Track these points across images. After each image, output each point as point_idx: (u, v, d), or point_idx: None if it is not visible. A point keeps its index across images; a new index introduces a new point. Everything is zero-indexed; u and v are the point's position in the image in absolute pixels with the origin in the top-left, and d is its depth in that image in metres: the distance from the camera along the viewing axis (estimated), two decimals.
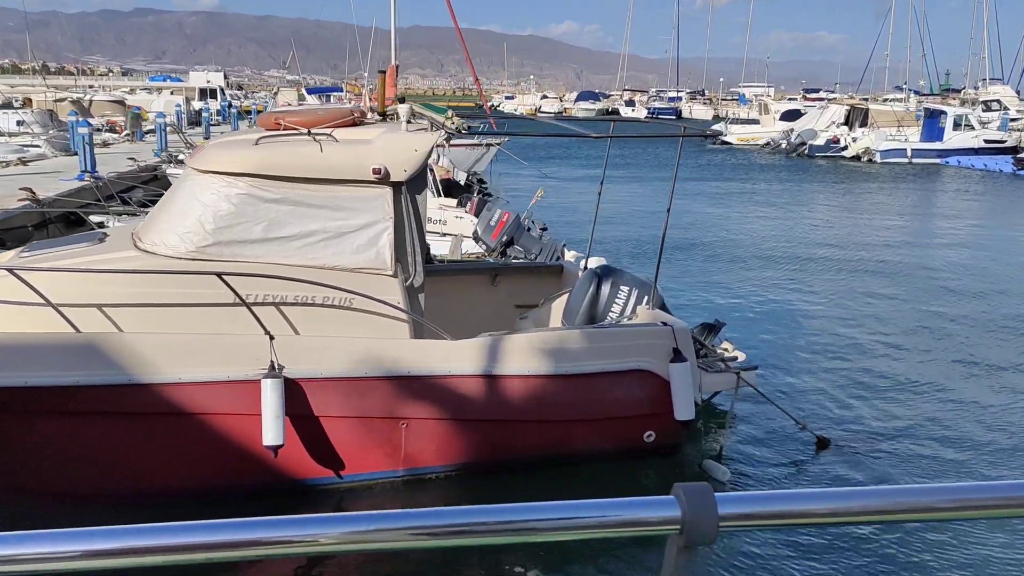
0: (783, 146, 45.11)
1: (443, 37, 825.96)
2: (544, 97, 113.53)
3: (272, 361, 5.86)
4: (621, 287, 7.41)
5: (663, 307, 7.57)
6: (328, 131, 6.38)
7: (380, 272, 6.31)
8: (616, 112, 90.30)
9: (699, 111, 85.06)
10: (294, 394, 5.96)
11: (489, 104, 32.57)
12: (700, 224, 21.02)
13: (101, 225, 11.38)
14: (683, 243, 17.99)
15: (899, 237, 19.69)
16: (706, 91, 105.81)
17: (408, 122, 6.73)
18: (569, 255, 13.38)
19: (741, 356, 8.09)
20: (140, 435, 5.74)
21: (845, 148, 40.82)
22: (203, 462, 5.91)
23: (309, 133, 6.31)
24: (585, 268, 8.50)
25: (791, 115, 50.16)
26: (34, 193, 14.11)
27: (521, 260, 11.78)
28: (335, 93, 39.07)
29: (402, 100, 6.85)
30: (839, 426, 8.06)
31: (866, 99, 48.63)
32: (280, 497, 6.21)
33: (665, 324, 6.94)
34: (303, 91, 47.15)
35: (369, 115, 7.09)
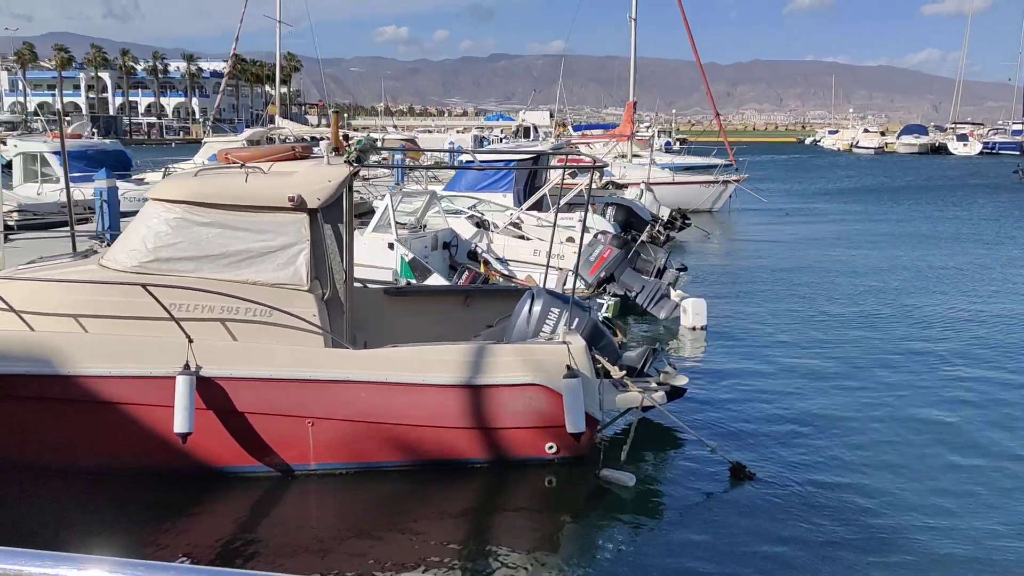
0: None
1: (782, 71, 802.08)
2: (866, 131, 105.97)
3: (188, 360, 6.91)
4: (552, 309, 7.75)
5: (596, 329, 7.86)
6: (258, 165, 7.35)
7: (297, 287, 7.20)
8: (943, 148, 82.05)
9: None
10: (210, 391, 6.98)
11: (732, 147, 31.84)
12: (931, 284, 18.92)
13: None
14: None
15: None
16: None
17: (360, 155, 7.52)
18: (675, 295, 13.15)
19: (682, 380, 8.31)
20: (71, 419, 7.06)
21: None
22: (126, 445, 7.12)
23: (242, 166, 7.32)
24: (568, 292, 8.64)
25: None
26: None
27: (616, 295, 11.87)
28: (597, 131, 40.22)
29: (346, 137, 7.59)
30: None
31: None
32: (201, 481, 7.24)
33: (564, 343, 7.27)
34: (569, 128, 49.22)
35: (316, 150, 7.93)
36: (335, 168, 7.26)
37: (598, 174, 19.24)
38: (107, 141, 23.59)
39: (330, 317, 7.31)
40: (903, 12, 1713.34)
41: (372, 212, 14.45)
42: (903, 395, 9.72)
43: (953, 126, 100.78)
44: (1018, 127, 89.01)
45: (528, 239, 15.00)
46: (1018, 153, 76.33)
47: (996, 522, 6.66)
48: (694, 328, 12.61)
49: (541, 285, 13.48)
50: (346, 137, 7.61)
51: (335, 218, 7.35)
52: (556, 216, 9.43)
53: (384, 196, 13.23)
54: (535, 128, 60.34)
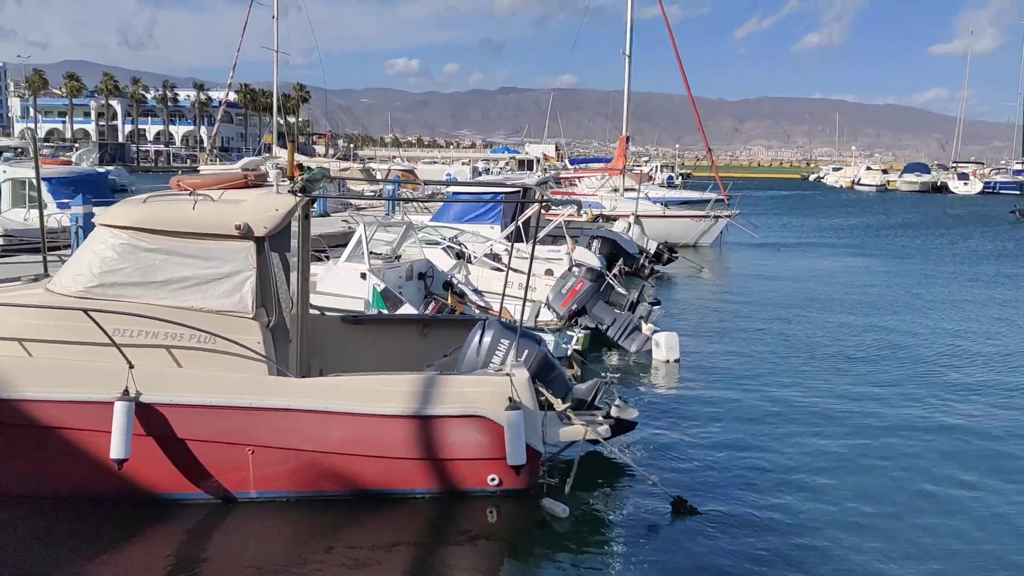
0: None
1: (790, 108, 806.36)
2: (868, 169, 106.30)
3: (128, 386, 6.91)
4: (501, 340, 7.78)
5: (545, 361, 7.85)
6: (207, 192, 7.40)
7: (242, 315, 7.20)
8: (944, 187, 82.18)
9: None
10: (149, 417, 6.97)
11: (722, 183, 31.98)
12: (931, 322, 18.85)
13: None
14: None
15: None
16: None
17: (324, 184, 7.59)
18: (646, 329, 13.14)
19: (632, 413, 8.31)
20: (9, 443, 7.05)
21: None
22: (65, 470, 7.11)
23: (191, 194, 7.37)
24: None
25: None
26: None
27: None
28: (596, 164, 40.51)
29: (300, 167, 7.65)
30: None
31: None
32: (139, 508, 7.21)
33: (507, 375, 7.29)
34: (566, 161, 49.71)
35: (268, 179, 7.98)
36: (283, 197, 7.31)
37: (575, 207, 19.29)
38: (96, 168, 23.82)
39: (276, 345, 7.31)
40: (911, 52, 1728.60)
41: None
42: (863, 441, 9.56)
43: (955, 165, 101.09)
44: (1018, 167, 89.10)
45: (503, 270, 15.02)
46: (1018, 192, 76.38)
47: (937, 558, 6.61)
48: (667, 361, 12.58)
49: (515, 317, 13.62)
50: (300, 167, 7.66)
51: (283, 247, 7.37)
52: (533, 248, 9.39)
53: (359, 226, 13.27)
54: (537, 161, 60.97)
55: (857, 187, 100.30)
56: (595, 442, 7.79)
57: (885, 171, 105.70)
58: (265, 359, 7.12)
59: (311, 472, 7.24)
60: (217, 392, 7.03)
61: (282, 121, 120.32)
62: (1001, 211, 55.88)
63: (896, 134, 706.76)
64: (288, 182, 7.27)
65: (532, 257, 8.65)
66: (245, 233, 7.13)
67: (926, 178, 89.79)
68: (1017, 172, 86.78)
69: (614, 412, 8.30)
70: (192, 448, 7.09)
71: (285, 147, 61.20)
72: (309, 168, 7.53)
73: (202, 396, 7.00)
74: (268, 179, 7.88)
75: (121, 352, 6.93)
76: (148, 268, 7.20)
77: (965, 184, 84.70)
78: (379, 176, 39.78)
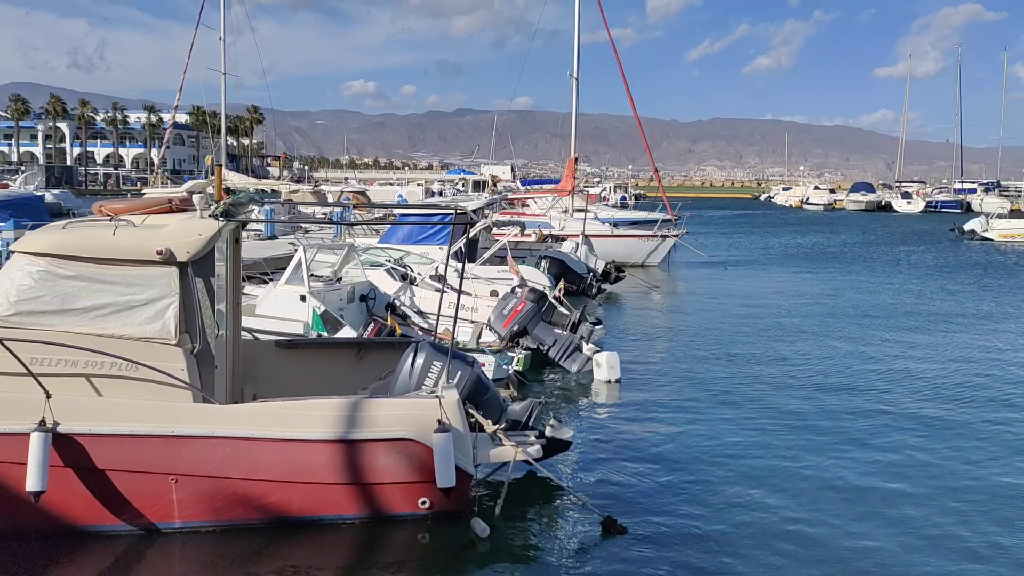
0: None
1: (742, 129, 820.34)
2: (816, 188, 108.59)
3: (45, 416, 6.74)
4: (434, 362, 7.72)
5: (478, 383, 7.86)
6: (130, 218, 7.29)
7: (165, 341, 7.08)
8: (888, 206, 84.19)
9: (992, 204, 76.47)
10: (68, 447, 6.80)
11: (674, 204, 32.38)
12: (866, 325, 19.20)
13: None
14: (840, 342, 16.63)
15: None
16: (1000, 181, 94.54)
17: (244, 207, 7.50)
18: (587, 349, 13.21)
19: (567, 434, 8.39)
20: None
21: None
22: None
23: (112, 219, 7.26)
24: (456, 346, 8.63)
25: None
26: None
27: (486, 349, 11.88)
28: (547, 185, 40.77)
29: (227, 190, 7.57)
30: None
31: None
32: (59, 540, 7.01)
33: (436, 397, 7.26)
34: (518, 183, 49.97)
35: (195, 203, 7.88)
36: (206, 222, 7.23)
37: (518, 228, 19.40)
38: (40, 192, 23.35)
39: (201, 371, 7.21)
40: (857, 74, 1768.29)
41: None
42: (798, 459, 9.66)
43: (898, 184, 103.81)
44: (959, 186, 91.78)
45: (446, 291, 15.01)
46: (959, 211, 78.52)
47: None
48: (608, 381, 12.65)
49: (457, 338, 13.60)
50: (227, 191, 7.59)
51: (207, 271, 7.29)
52: (463, 270, 9.39)
53: (299, 248, 13.18)
54: (486, 183, 61.08)
55: (806, 206, 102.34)
56: (529, 462, 7.78)
57: (833, 190, 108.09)
58: (189, 386, 7.01)
59: (237, 500, 7.13)
60: (138, 420, 6.90)
61: (234, 143, 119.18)
62: (942, 228, 57.34)
63: (844, 154, 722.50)
64: (211, 207, 7.19)
65: (462, 277, 8.67)
66: (167, 258, 7.03)
67: (871, 197, 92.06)
68: (958, 191, 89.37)
69: (548, 432, 8.35)
70: (113, 478, 6.93)
71: (236, 170, 60.46)
72: (235, 192, 7.46)
73: (122, 425, 6.87)
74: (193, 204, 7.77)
75: (38, 382, 6.78)
76: (67, 295, 7.06)
77: (908, 203, 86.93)
78: (331, 199, 39.55)
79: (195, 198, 7.38)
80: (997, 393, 12.92)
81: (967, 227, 50.60)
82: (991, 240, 46.81)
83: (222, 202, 7.13)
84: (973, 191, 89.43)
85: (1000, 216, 51.72)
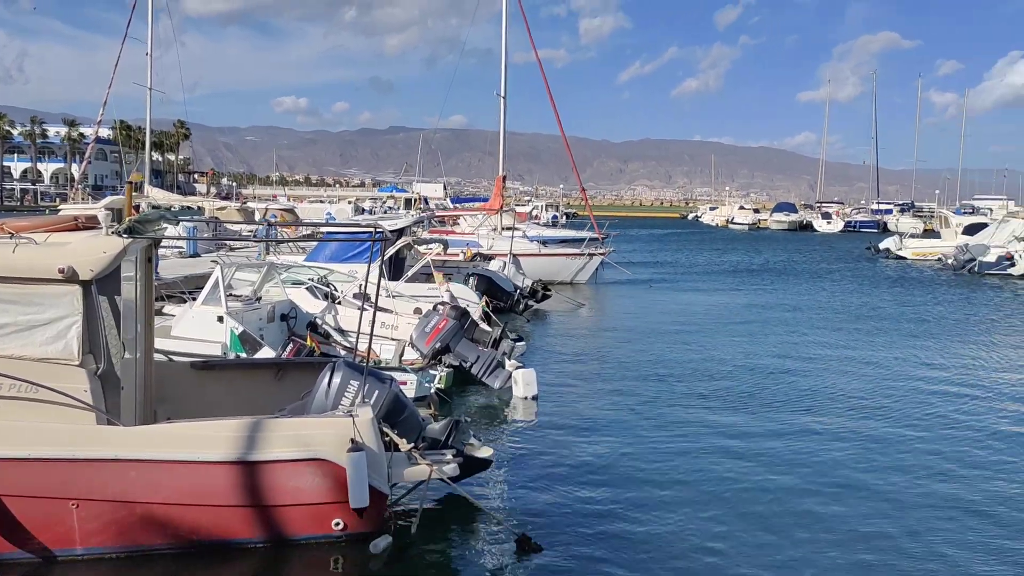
0: (950, 262, 41.92)
1: (671, 150, 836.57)
2: (741, 208, 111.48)
3: None
4: (351, 381, 7.66)
5: (396, 401, 7.81)
6: (32, 236, 7.11)
7: (67, 362, 6.90)
8: (810, 225, 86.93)
9: (906, 224, 79.57)
10: None
11: (605, 226, 32.81)
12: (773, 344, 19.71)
13: None
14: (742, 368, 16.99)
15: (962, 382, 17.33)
16: (915, 203, 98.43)
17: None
18: (510, 364, 13.28)
19: (486, 452, 8.38)
20: None
21: (1014, 265, 36.78)
22: None
23: (12, 236, 7.06)
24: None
25: (975, 229, 46.03)
26: None
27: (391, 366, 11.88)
28: (477, 203, 40.97)
29: (136, 208, 7.45)
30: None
31: None
32: None
33: (350, 416, 7.16)
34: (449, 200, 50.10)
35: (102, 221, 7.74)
36: (111, 239, 7.07)
37: (440, 246, 19.46)
38: None
39: (106, 393, 7.03)
40: (782, 97, 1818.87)
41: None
42: (713, 474, 9.80)
43: (819, 205, 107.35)
44: (876, 207, 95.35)
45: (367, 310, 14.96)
46: (876, 231, 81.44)
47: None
48: (525, 398, 12.75)
49: (380, 356, 13.54)
50: (136, 208, 7.46)
51: (112, 290, 7.13)
52: (378, 289, 9.32)
53: (216, 267, 12.96)
54: (425, 200, 61.01)
55: (731, 225, 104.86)
56: (445, 481, 7.79)
57: (757, 210, 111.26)
58: (93, 408, 6.83)
59: (142, 525, 6.95)
60: (37, 444, 6.70)
61: (160, 158, 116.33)
62: (859, 247, 59.36)
63: (769, 175, 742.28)
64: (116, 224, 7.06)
65: (377, 295, 8.67)
66: (69, 276, 6.86)
67: (794, 217, 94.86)
68: (875, 212, 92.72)
69: (468, 451, 8.37)
70: (9, 504, 6.71)
71: (161, 186, 58.95)
72: (160, 208, 7.33)
73: (20, 448, 6.65)
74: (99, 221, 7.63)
75: None
76: None
77: (828, 223, 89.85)
78: (258, 216, 38.99)
79: (100, 215, 7.25)
80: (910, 403, 13.49)
81: (882, 246, 52.55)
82: (905, 258, 48.76)
83: (128, 219, 6.99)
84: (889, 212, 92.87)
85: (913, 236, 54.01)
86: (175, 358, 9.53)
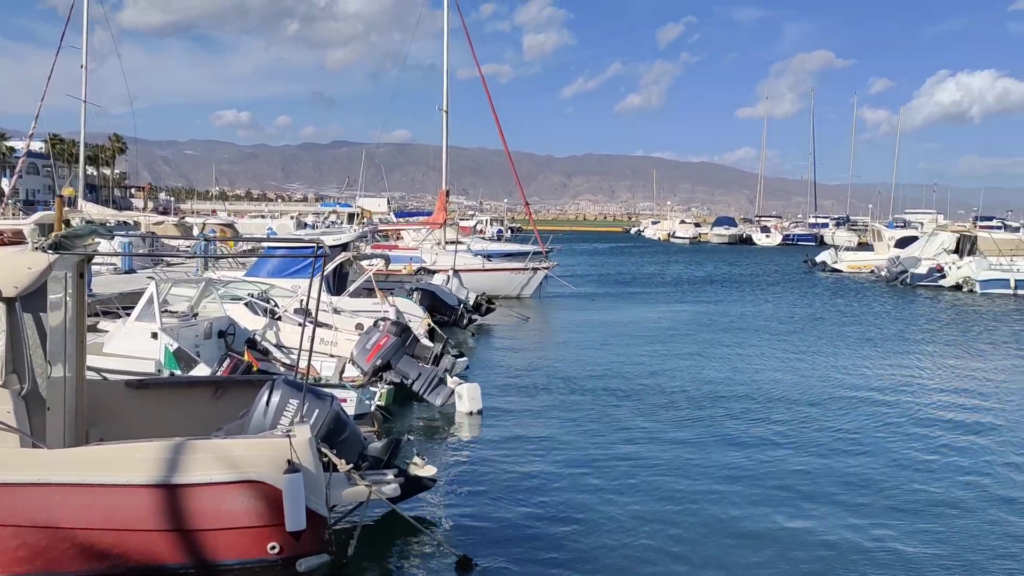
0: (883, 274, 43.24)
1: (614, 165, 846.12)
2: (682, 222, 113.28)
3: None
4: (290, 400, 7.49)
5: (337, 420, 7.66)
6: None
7: None
8: (749, 239, 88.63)
9: (842, 237, 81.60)
10: None
11: (544, 242, 32.95)
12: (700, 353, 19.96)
13: None
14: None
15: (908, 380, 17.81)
16: (850, 217, 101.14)
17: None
18: (451, 381, 13.20)
19: (430, 471, 8.28)
20: None
21: (944, 277, 38.02)
22: None
23: None
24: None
25: (906, 242, 47.49)
26: None
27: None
28: (420, 217, 40.82)
29: (67, 223, 7.21)
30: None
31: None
32: None
33: (287, 435, 6.95)
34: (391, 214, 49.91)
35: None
36: (36, 255, 6.82)
37: (383, 261, 19.33)
38: None
39: (30, 414, 6.76)
40: (721, 113, 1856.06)
41: None
42: (659, 490, 9.80)
43: (758, 219, 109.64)
44: (814, 220, 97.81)
45: (309, 325, 14.76)
46: (814, 244, 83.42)
47: None
48: (470, 413, 12.67)
49: (321, 373, 13.32)
50: (67, 223, 7.22)
51: (38, 307, 6.88)
52: (318, 303, 9.16)
53: (150, 283, 12.64)
54: (357, 215, 60.66)
55: (673, 239, 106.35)
56: (398, 500, 7.68)
57: (698, 224, 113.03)
58: (15, 430, 6.55)
59: (67, 551, 6.63)
60: None
61: (95, 173, 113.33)
62: (797, 260, 60.71)
63: (710, 189, 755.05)
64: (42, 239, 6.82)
65: (317, 310, 8.52)
66: None
67: (733, 231, 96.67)
68: (812, 225, 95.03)
69: (412, 470, 8.26)
70: None
71: (96, 201, 57.44)
72: (71, 224, 7.11)
73: None
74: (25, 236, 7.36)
75: None
76: None
77: (767, 236, 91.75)
78: (196, 231, 38.25)
79: (27, 230, 7.01)
80: (858, 409, 13.93)
81: (819, 259, 53.78)
82: (840, 271, 50.01)
83: (54, 234, 6.77)
84: (826, 225, 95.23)
85: (848, 249, 55.47)
86: (109, 376, 9.20)
